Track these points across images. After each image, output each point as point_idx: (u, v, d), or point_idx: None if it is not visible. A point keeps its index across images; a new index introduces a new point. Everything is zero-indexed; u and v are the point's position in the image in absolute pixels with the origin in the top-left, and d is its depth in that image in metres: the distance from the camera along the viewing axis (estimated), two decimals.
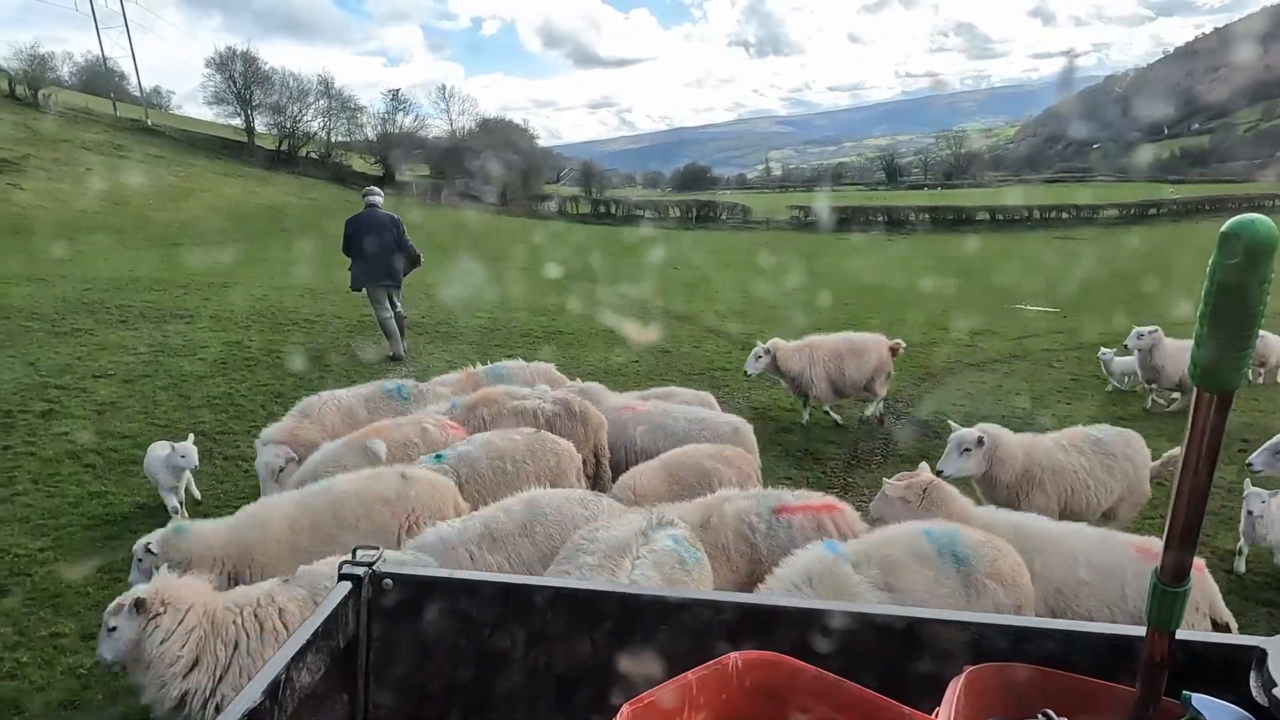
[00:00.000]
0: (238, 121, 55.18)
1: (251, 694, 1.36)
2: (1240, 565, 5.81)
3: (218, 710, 3.24)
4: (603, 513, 4.12)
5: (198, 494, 6.63)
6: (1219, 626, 4.01)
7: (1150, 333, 9.67)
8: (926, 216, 47.05)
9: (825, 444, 8.67)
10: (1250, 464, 5.65)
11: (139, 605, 3.24)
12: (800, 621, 1.62)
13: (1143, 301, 16.74)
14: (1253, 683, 1.30)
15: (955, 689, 1.35)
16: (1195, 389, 1.17)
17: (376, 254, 10.92)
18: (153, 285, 14.95)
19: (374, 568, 1.76)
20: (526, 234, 37.54)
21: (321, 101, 57.08)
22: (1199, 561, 3.94)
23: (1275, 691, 1.21)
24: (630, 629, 1.68)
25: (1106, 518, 5.75)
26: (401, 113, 62.75)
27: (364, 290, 11.27)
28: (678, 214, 50.66)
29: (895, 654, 1.58)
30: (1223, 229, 1.04)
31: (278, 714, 1.41)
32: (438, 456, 5.15)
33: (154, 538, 4.21)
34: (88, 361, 9.92)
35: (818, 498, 4.34)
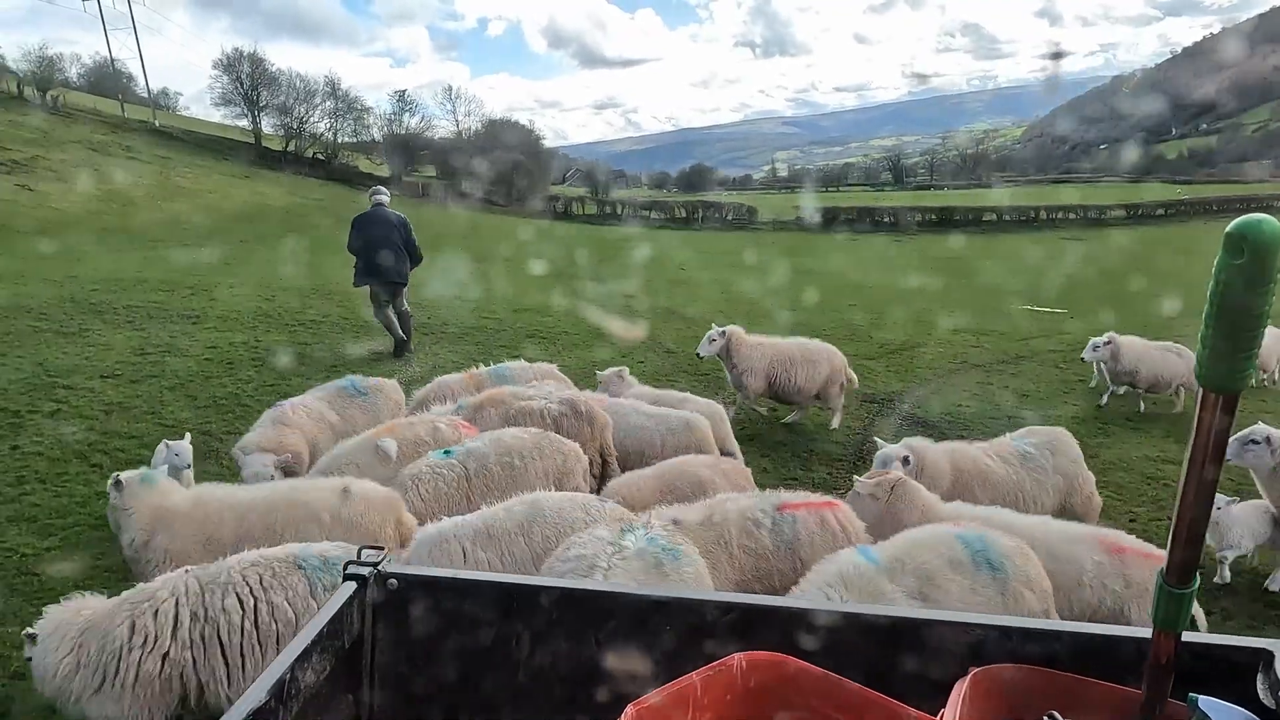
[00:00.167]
0: (245, 123, 55.37)
1: (256, 694, 1.36)
2: (1224, 574, 5.71)
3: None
4: (604, 518, 4.13)
5: None
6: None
7: (1105, 343, 9.61)
8: (933, 217, 46.98)
9: (831, 444, 8.67)
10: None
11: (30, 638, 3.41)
12: (804, 622, 1.61)
13: (1149, 302, 16.69)
14: (1259, 685, 1.30)
15: (961, 690, 1.35)
16: (1201, 389, 1.16)
17: (382, 253, 10.98)
18: (160, 286, 14.99)
19: (379, 567, 1.76)
20: (531, 235, 37.56)
21: (328, 102, 57.23)
22: (1155, 551, 4.05)
23: None
24: (635, 629, 1.68)
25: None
26: (408, 113, 62.93)
27: (367, 288, 11.36)
28: (683, 215, 50.65)
29: (901, 655, 1.58)
30: (1228, 229, 1.04)
31: (282, 714, 1.41)
32: (446, 452, 5.17)
33: (129, 476, 4.45)
34: (95, 362, 9.95)
35: (817, 495, 4.38)
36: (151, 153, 41.59)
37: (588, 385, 7.88)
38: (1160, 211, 49.68)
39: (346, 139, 58.93)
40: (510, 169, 57.84)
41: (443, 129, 67.50)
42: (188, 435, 6.22)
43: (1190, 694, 1.31)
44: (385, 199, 11.40)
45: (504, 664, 1.74)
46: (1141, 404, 10.05)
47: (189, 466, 6.06)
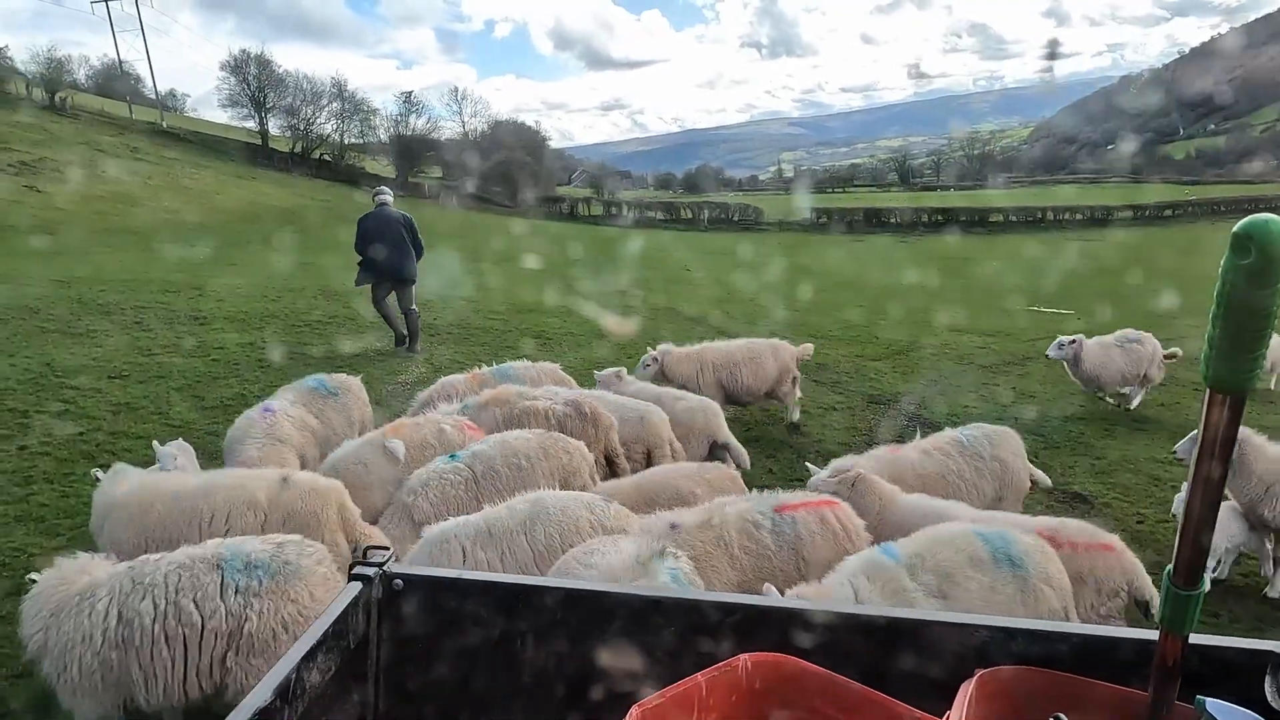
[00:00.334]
0: (252, 124, 55.60)
1: (262, 694, 1.36)
2: (1204, 582, 5.64)
3: None
4: (610, 519, 4.12)
5: None
6: (1140, 604, 4.05)
7: (1070, 343, 9.67)
8: (939, 218, 46.93)
9: (837, 445, 8.65)
10: (1175, 452, 5.87)
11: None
12: (806, 623, 1.61)
13: (1155, 303, 16.63)
14: (1268, 687, 1.29)
15: (966, 692, 1.34)
16: (1208, 391, 1.16)
17: (388, 252, 11.14)
18: (166, 286, 15.04)
19: (384, 568, 1.76)
20: (537, 236, 37.60)
21: (335, 104, 57.41)
22: (1115, 541, 4.08)
23: None
24: (640, 630, 1.68)
25: None
26: (414, 115, 63.02)
27: (373, 285, 11.53)
28: (689, 216, 50.67)
29: (906, 656, 1.57)
30: (1235, 229, 1.03)
31: (288, 713, 1.41)
32: (452, 456, 5.17)
33: (109, 473, 4.68)
34: (101, 362, 9.99)
35: (815, 495, 4.38)
36: (158, 154, 41.78)
37: (590, 385, 7.88)
38: (1167, 212, 49.58)
39: (353, 140, 59.09)
40: (516, 170, 57.93)
41: (449, 130, 67.78)
42: (179, 439, 6.19)
43: (1197, 696, 1.30)
44: (389, 198, 11.55)
45: (508, 664, 1.74)
46: (1111, 402, 10.20)
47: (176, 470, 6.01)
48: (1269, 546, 5.66)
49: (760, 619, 1.65)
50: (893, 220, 46.76)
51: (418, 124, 62.61)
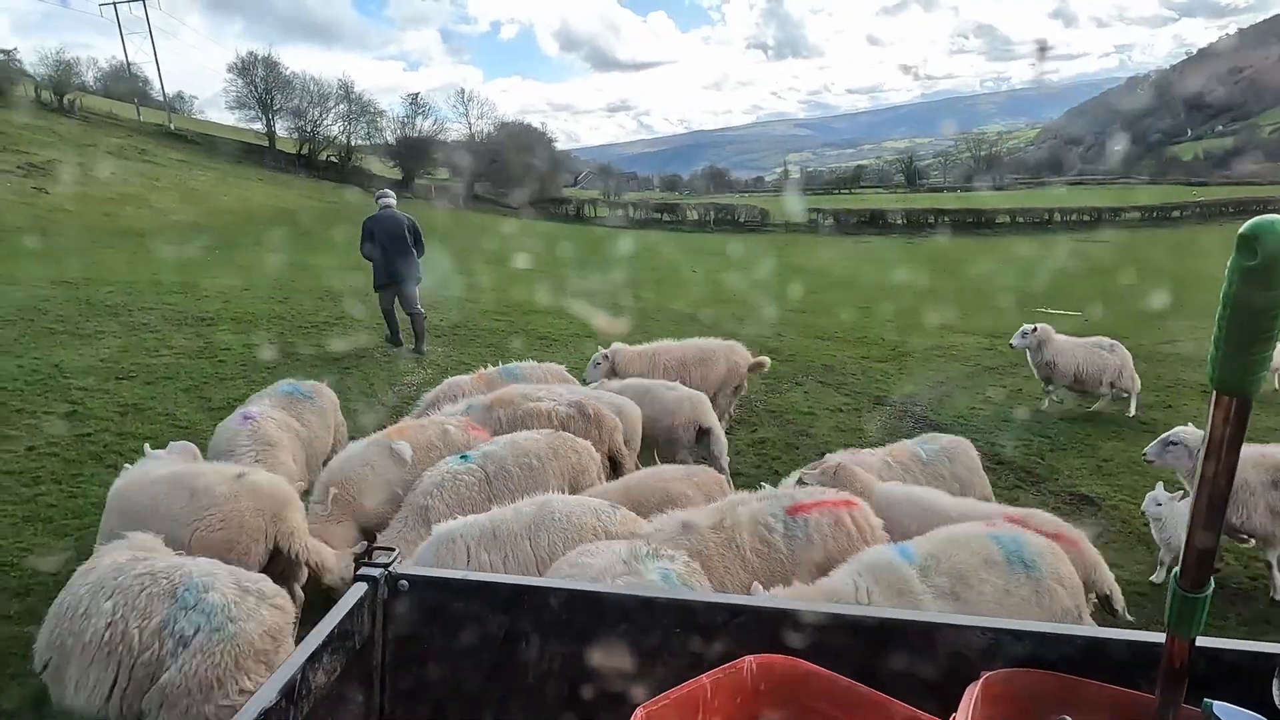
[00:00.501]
0: (259, 126, 55.68)
1: (267, 694, 1.37)
2: (1160, 576, 5.69)
3: None
4: (616, 525, 4.10)
5: None
6: (1102, 597, 4.11)
7: (1033, 331, 9.80)
8: (945, 219, 46.84)
9: (843, 447, 8.62)
10: (1145, 454, 6.00)
11: None
12: (815, 625, 1.61)
13: (1160, 305, 16.59)
14: (1275, 690, 1.29)
15: (972, 694, 1.34)
16: (1214, 393, 1.15)
17: (394, 254, 11.35)
18: (174, 288, 15.09)
19: (389, 569, 1.76)
20: (543, 237, 37.63)
21: (341, 106, 57.44)
22: (1077, 535, 4.18)
23: None
24: (644, 631, 1.68)
25: None
26: (420, 116, 63.05)
27: (380, 288, 11.78)
28: (695, 217, 50.66)
29: (912, 658, 1.57)
30: (1241, 230, 1.03)
31: (293, 714, 1.42)
32: (464, 456, 5.19)
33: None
34: (109, 363, 10.02)
35: (832, 493, 4.33)
36: (167, 156, 41.92)
37: None
38: (1175, 213, 49.41)
39: (360, 142, 59.17)
40: (522, 172, 57.98)
41: (455, 132, 67.76)
42: (183, 441, 6.19)
43: (1204, 699, 1.30)
44: (392, 201, 11.73)
45: (513, 665, 1.75)
46: (1046, 401, 10.19)
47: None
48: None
49: (763, 620, 1.65)
50: (898, 222, 46.70)
51: (424, 126, 62.66)
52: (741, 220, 49.22)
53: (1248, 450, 5.55)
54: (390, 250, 11.34)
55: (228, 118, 59.79)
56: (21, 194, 27.90)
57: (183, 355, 10.72)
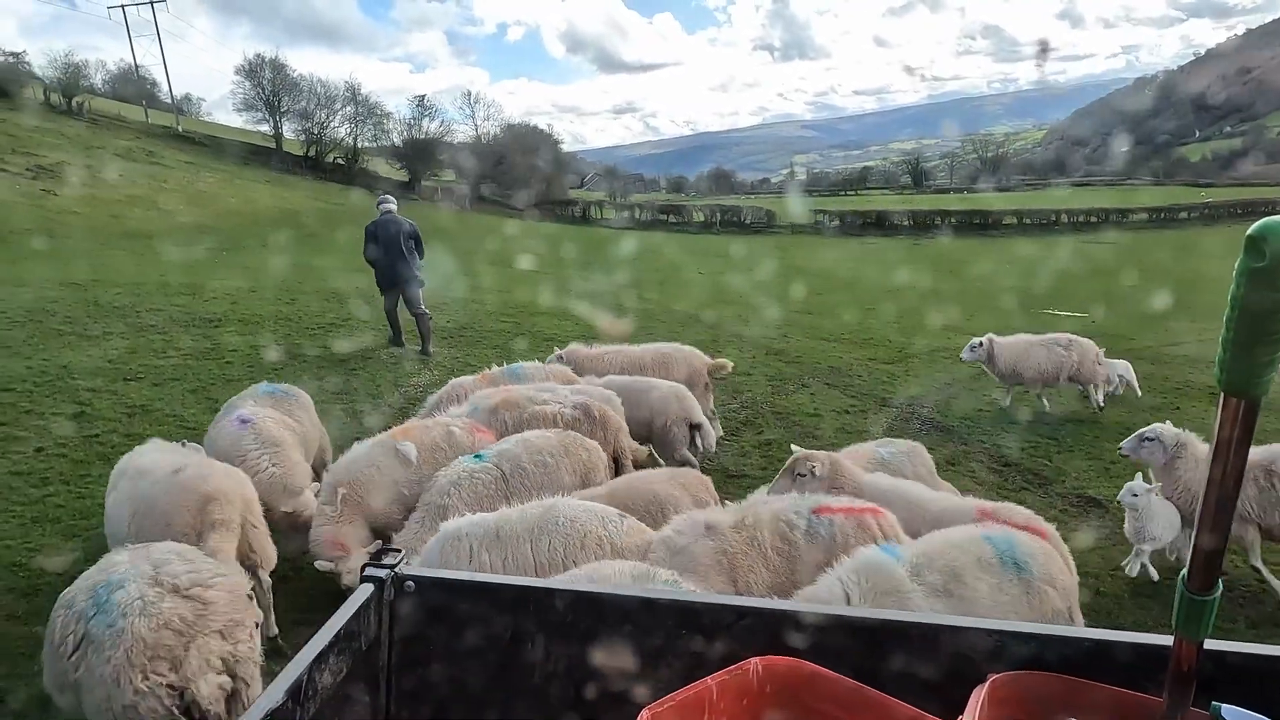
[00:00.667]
0: (266, 128, 55.80)
1: (274, 695, 1.37)
2: (1134, 568, 5.77)
3: None
4: (622, 535, 4.08)
5: None
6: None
7: (980, 345, 9.97)
8: (952, 221, 46.76)
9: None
10: (1120, 448, 6.11)
11: None
12: (822, 627, 1.61)
13: (1171, 306, 16.54)
14: None
15: (978, 697, 1.34)
16: (1221, 394, 1.15)
17: (392, 258, 11.62)
18: (182, 289, 15.14)
19: (396, 570, 1.77)
20: (549, 239, 37.66)
21: (348, 108, 57.53)
22: (1046, 527, 4.25)
23: None
24: (649, 633, 1.68)
25: None
26: (427, 118, 63.13)
27: (384, 291, 12.05)
28: (701, 219, 50.65)
29: (917, 660, 1.57)
30: (1249, 231, 1.02)
31: (299, 714, 1.42)
32: (478, 456, 5.20)
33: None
34: (118, 364, 10.06)
35: (859, 501, 4.33)
36: (174, 158, 42.04)
37: None
38: (1183, 215, 49.24)
39: (367, 144, 59.27)
40: (529, 173, 58.03)
41: (462, 134, 67.84)
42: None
43: (1213, 702, 1.29)
44: (393, 206, 11.98)
45: (518, 666, 1.75)
46: (1046, 402, 10.27)
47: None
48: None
49: (768, 621, 1.64)
50: (904, 223, 46.64)
51: (430, 127, 62.74)
52: (747, 222, 49.20)
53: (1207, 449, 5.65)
54: (391, 254, 11.60)
55: (235, 120, 59.96)
56: (30, 196, 28.01)
57: (190, 356, 10.75)
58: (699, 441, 7.12)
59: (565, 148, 77.75)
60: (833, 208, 54.11)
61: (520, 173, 59.19)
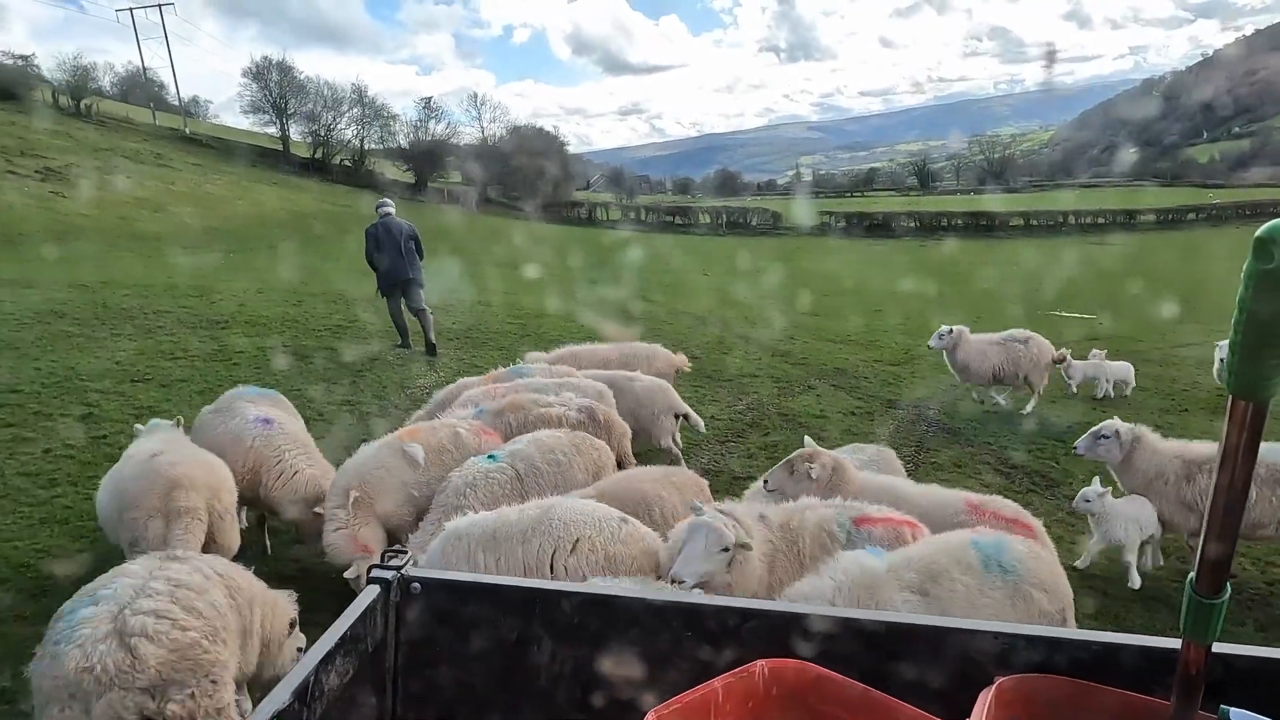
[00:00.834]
0: (273, 130, 56.01)
1: (280, 696, 1.37)
2: (1084, 561, 5.83)
3: None
4: (620, 539, 4.01)
5: None
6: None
7: (949, 332, 10.07)
8: (959, 222, 46.68)
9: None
10: (1075, 448, 6.18)
11: None
12: (829, 629, 1.60)
13: (1178, 307, 16.49)
14: None
15: (985, 700, 1.33)
16: (1230, 397, 1.14)
17: (393, 259, 11.83)
18: (189, 291, 15.19)
19: (402, 571, 1.77)
20: (555, 241, 37.70)
21: (355, 110, 57.79)
22: (1033, 522, 4.32)
23: None
24: (655, 635, 1.68)
25: None
26: (433, 120, 63.29)
27: (385, 293, 12.23)
28: (707, 220, 50.65)
29: (923, 664, 1.56)
30: (1257, 233, 1.02)
31: (306, 715, 1.42)
32: (491, 456, 5.21)
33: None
34: (125, 366, 10.09)
35: (898, 514, 4.33)
36: (182, 160, 42.22)
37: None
38: (1190, 216, 49.06)
39: (373, 146, 59.45)
40: (535, 175, 58.11)
41: (468, 136, 68.03)
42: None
43: (1221, 705, 1.29)
44: (392, 208, 12.20)
45: (524, 668, 1.75)
46: (1001, 399, 10.43)
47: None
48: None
49: (774, 624, 1.64)
50: (911, 225, 46.58)
51: (437, 129, 62.92)
52: (753, 224, 49.21)
53: (1171, 444, 5.88)
54: (392, 255, 11.82)
55: (242, 122, 60.30)
56: (39, 198, 28.14)
57: (197, 359, 10.79)
58: (691, 425, 7.67)
59: (571, 150, 77.88)
60: (839, 210, 54.07)
61: (526, 175, 59.32)
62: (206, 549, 4.48)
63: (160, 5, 58.44)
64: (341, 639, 1.55)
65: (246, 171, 45.77)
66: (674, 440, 7.62)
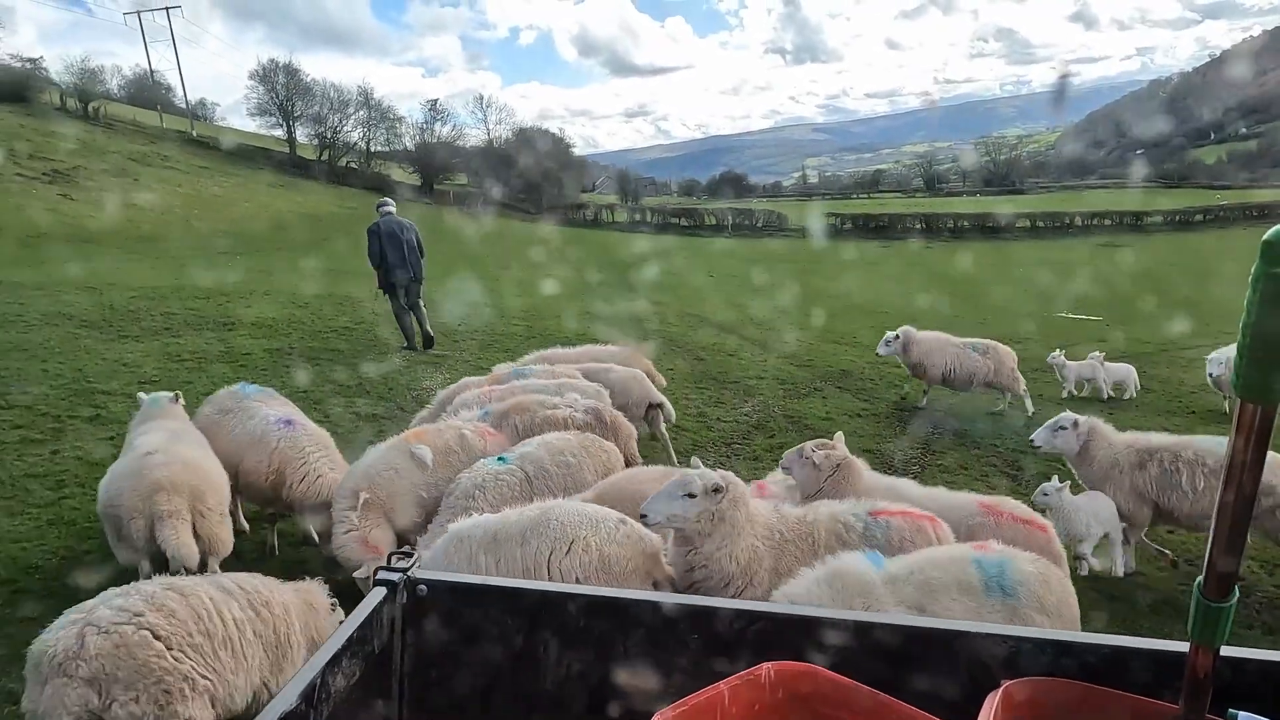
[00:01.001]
0: (280, 132, 56.16)
1: (288, 697, 1.37)
2: (1083, 568, 5.66)
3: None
4: (617, 540, 3.99)
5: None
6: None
7: (896, 338, 10.14)
8: (965, 224, 46.60)
9: (861, 452, 8.59)
10: (1032, 441, 6.18)
11: None
12: (835, 632, 1.60)
13: (1185, 309, 16.43)
14: None
15: (992, 704, 1.33)
16: (1239, 401, 1.14)
17: (397, 257, 12.04)
18: (195, 293, 15.23)
19: (409, 573, 1.77)
20: (561, 242, 37.71)
21: (361, 112, 57.95)
22: (1047, 523, 4.37)
23: None
24: (662, 637, 1.68)
25: None
26: (439, 122, 63.44)
27: (388, 291, 12.37)
28: (713, 222, 50.64)
29: (932, 667, 1.56)
30: (1266, 237, 1.01)
31: (313, 717, 1.42)
32: (501, 459, 5.21)
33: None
34: (133, 368, 10.12)
35: (917, 509, 4.31)
36: (189, 163, 42.35)
37: None
38: (1198, 217, 48.86)
39: (379, 148, 59.59)
40: (541, 177, 58.16)
41: (474, 138, 68.14)
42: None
43: (1229, 709, 1.28)
44: (392, 208, 12.42)
45: (531, 669, 1.75)
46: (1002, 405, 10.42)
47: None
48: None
49: (781, 627, 1.64)
50: (918, 227, 46.50)
51: (443, 131, 63.11)
52: (759, 225, 49.17)
53: (1125, 435, 5.95)
54: (394, 254, 12.01)
55: (249, 124, 60.50)
56: (47, 200, 28.26)
57: (204, 359, 10.81)
58: (661, 417, 7.83)
59: (577, 151, 78.00)
60: (845, 211, 54.01)
61: (532, 176, 59.37)
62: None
63: (167, 8, 58.65)
64: (348, 641, 1.55)
65: (253, 174, 45.92)
66: (661, 430, 7.89)
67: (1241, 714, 1.27)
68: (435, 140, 61.52)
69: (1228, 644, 1.27)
